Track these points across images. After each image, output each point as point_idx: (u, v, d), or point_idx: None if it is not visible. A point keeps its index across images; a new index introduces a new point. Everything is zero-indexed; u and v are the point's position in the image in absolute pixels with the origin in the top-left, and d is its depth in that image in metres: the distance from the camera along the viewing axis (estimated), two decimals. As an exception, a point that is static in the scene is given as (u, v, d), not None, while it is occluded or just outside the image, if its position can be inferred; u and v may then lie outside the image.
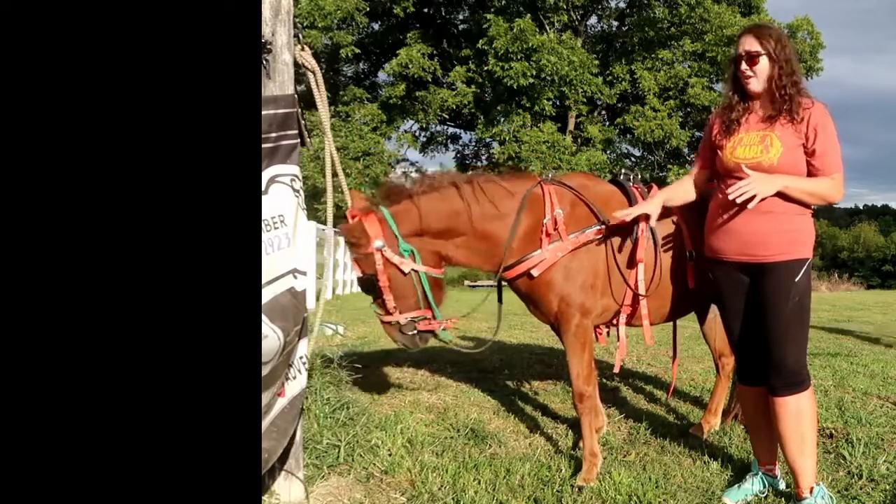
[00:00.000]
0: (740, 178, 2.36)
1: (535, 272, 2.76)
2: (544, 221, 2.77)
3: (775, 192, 2.33)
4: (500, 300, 3.19)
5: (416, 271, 2.68)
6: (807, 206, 2.41)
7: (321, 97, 2.28)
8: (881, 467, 2.79)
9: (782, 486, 2.60)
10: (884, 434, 3.28)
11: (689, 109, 22.61)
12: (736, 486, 2.60)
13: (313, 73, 2.25)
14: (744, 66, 2.39)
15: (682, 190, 2.78)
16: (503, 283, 3.02)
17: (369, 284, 2.67)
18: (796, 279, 2.35)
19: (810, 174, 2.38)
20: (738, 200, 2.31)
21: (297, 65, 2.25)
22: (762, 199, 2.32)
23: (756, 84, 2.40)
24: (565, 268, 2.77)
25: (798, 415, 2.39)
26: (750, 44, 2.38)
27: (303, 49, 2.25)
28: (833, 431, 3.28)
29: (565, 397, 4.09)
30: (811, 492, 2.40)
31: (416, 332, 2.74)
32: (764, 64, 2.37)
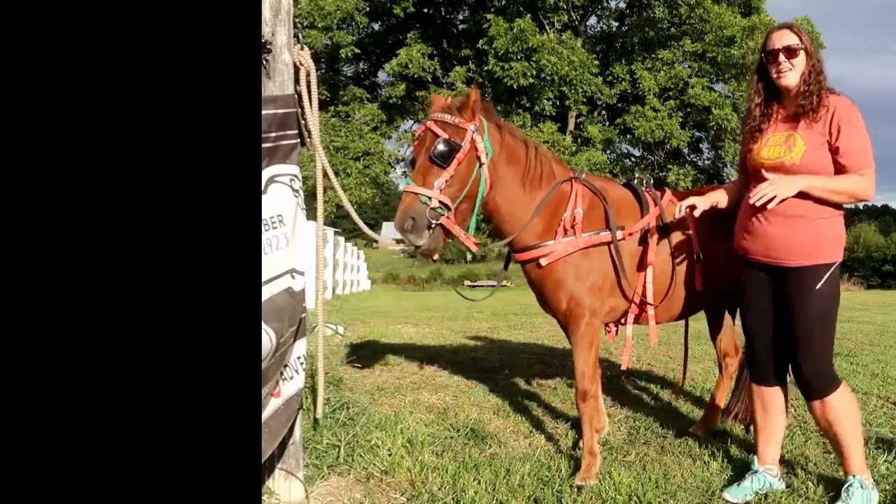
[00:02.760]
0: (763, 181, 2.37)
1: (543, 261, 2.81)
2: (563, 216, 2.83)
3: (799, 193, 2.31)
4: (506, 266, 3.28)
5: (483, 166, 2.68)
6: (835, 207, 2.37)
7: (311, 98, 2.26)
8: (881, 467, 2.80)
9: (781, 486, 2.60)
10: (884, 434, 3.28)
11: (689, 110, 22.60)
12: (736, 483, 2.60)
13: (308, 71, 2.24)
14: (782, 58, 2.38)
15: (732, 192, 2.78)
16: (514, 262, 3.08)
17: (446, 152, 2.58)
18: (817, 287, 2.33)
19: (837, 172, 2.34)
20: (758, 204, 2.32)
21: (296, 64, 2.25)
22: (783, 201, 2.31)
23: (792, 77, 2.39)
24: (576, 268, 2.82)
25: (824, 417, 2.41)
26: (789, 38, 2.39)
27: (301, 48, 2.25)
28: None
29: (565, 397, 4.09)
30: (852, 477, 2.43)
31: (433, 224, 2.58)
32: (802, 58, 2.38)
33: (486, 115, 2.76)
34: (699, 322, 3.70)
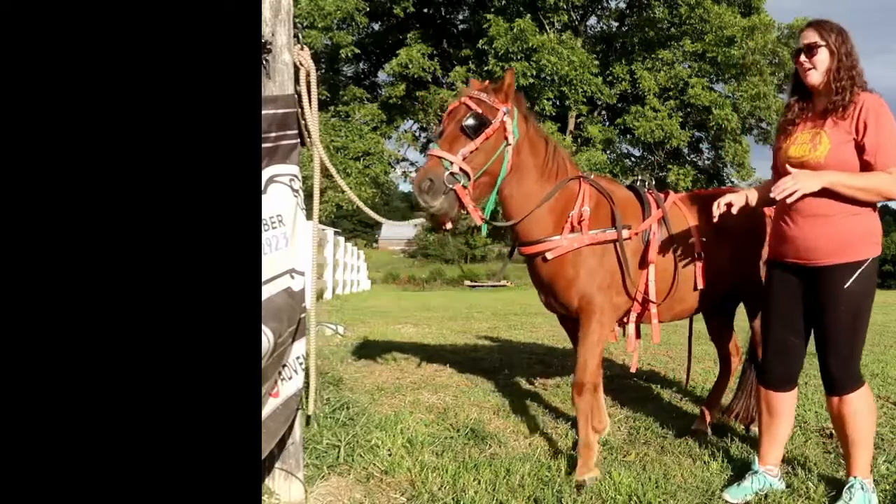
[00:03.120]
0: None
1: (549, 255, 2.85)
2: (571, 214, 2.87)
3: (823, 192, 2.28)
4: (510, 255, 3.30)
5: (509, 147, 2.73)
6: (863, 204, 2.32)
7: (311, 98, 2.25)
8: (881, 467, 2.80)
9: (781, 486, 2.60)
10: (884, 434, 3.28)
11: (689, 110, 22.59)
12: (735, 484, 2.60)
13: (308, 71, 2.24)
14: (802, 57, 2.37)
15: (763, 191, 2.67)
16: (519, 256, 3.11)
17: (476, 124, 2.65)
18: (846, 285, 2.30)
19: (864, 170, 2.30)
20: (778, 198, 2.29)
21: (296, 64, 2.25)
22: (805, 197, 2.29)
23: (815, 76, 2.37)
24: (588, 266, 2.86)
25: (839, 412, 2.42)
26: (810, 36, 2.37)
27: (301, 48, 2.25)
28: (833, 431, 3.27)
29: (565, 397, 4.09)
30: (853, 478, 2.44)
31: (449, 189, 2.60)
32: (823, 56, 2.35)
33: (517, 103, 2.82)
34: (699, 322, 3.70)
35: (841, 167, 2.29)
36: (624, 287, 2.93)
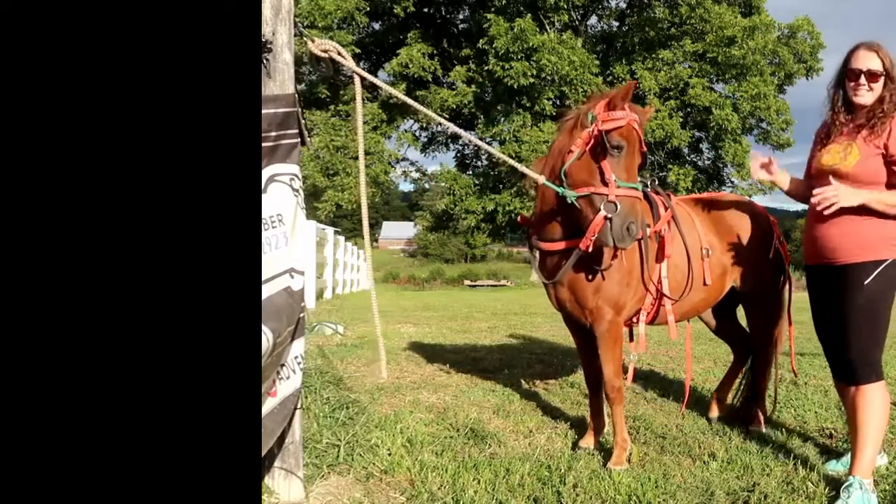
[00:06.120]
0: (824, 185, 2.42)
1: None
2: None
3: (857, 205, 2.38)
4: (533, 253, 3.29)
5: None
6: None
7: (354, 66, 2.28)
8: (881, 467, 2.79)
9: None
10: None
11: (689, 110, 22.61)
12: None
13: (338, 51, 2.27)
14: (862, 80, 2.46)
15: (795, 182, 2.86)
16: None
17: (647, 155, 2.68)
18: (865, 283, 2.39)
19: (893, 184, 2.41)
20: (818, 208, 2.39)
21: (297, 64, 2.25)
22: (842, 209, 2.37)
23: (867, 98, 2.47)
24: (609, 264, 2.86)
25: (852, 401, 2.47)
26: (874, 63, 2.46)
27: (312, 40, 2.26)
28: (833, 432, 3.28)
29: (565, 397, 4.09)
30: (852, 477, 2.45)
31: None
32: (881, 83, 2.46)
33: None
34: (695, 322, 3.71)
35: (867, 178, 2.40)
36: (643, 284, 2.94)
